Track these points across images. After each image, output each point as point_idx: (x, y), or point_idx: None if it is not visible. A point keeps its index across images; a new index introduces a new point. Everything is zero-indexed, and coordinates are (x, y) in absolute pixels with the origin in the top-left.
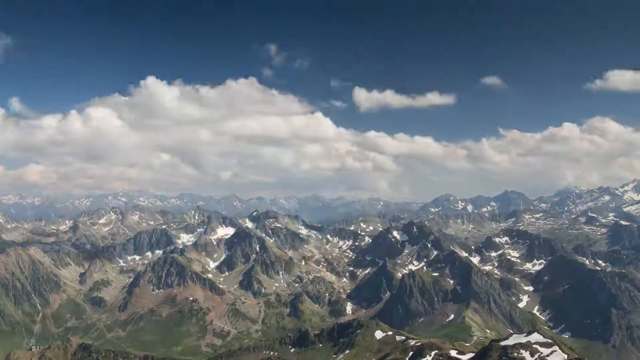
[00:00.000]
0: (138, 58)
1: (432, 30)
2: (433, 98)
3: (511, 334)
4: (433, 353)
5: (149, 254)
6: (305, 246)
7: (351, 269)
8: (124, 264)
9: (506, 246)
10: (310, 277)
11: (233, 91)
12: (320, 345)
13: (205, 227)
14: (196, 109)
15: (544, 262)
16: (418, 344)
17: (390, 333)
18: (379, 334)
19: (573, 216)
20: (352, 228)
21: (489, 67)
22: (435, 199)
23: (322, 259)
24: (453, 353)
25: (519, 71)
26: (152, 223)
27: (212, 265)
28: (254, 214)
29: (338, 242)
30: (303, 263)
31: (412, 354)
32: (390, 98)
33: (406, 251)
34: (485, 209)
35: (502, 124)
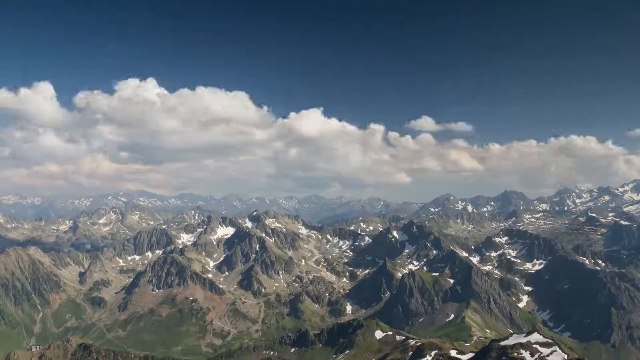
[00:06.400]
0: None
1: None
2: None
3: (511, 334)
4: (433, 353)
5: (149, 254)
6: (305, 246)
7: (351, 268)
8: (124, 264)
9: (506, 246)
10: (310, 277)
11: None
12: (320, 345)
13: (205, 227)
14: None
15: (544, 262)
16: (418, 344)
17: (390, 333)
18: (378, 334)
19: (573, 216)
20: (352, 228)
21: None
22: (435, 198)
23: (322, 259)
24: (453, 353)
25: None
26: (152, 223)
27: (212, 265)
28: (254, 214)
29: (338, 242)
30: (303, 263)
31: (412, 354)
32: None
33: (406, 251)
34: (485, 209)
35: None
